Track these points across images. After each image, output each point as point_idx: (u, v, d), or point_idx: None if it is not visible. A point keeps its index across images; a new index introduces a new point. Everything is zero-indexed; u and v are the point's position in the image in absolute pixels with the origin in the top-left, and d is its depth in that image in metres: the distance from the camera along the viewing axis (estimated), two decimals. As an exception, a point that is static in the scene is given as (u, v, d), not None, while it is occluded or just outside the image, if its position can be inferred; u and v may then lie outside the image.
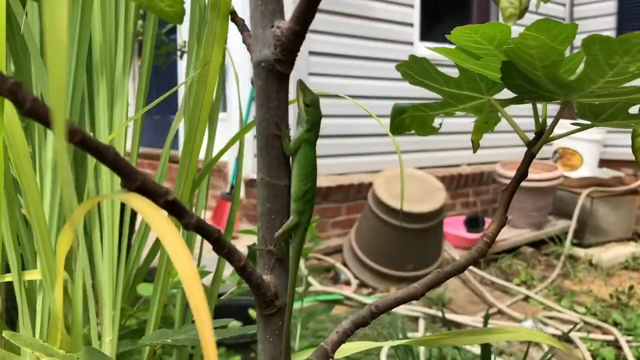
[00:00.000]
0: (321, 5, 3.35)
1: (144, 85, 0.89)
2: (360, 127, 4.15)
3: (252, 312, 1.75)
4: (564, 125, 0.66)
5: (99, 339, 0.84)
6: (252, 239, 1.07)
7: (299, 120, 0.51)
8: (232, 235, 1.01)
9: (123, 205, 0.87)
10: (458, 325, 2.94)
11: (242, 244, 2.03)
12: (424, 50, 4.29)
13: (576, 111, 0.62)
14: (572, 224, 4.27)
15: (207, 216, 4.09)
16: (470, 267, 3.70)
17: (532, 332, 0.65)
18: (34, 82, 0.83)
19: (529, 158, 0.66)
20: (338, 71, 4.07)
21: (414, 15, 4.55)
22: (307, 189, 0.49)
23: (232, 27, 0.58)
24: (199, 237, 0.46)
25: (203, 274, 0.87)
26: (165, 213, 0.38)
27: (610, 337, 2.80)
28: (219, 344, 1.67)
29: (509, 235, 4.23)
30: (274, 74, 0.45)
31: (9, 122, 0.63)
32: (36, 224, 0.67)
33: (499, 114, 0.71)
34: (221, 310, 1.03)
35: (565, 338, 2.77)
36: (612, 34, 5.21)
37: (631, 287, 3.40)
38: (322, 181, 3.91)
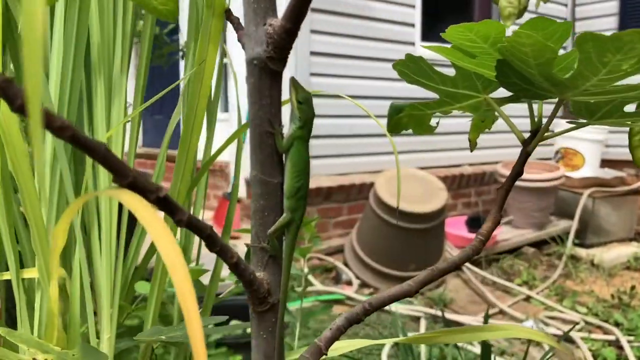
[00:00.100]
0: (322, 6, 3.35)
1: (141, 84, 0.90)
2: (361, 127, 4.15)
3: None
4: (563, 125, 0.66)
5: (97, 336, 0.84)
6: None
7: (291, 118, 0.51)
8: (232, 234, 1.02)
9: (122, 203, 0.87)
10: (459, 325, 2.94)
11: (244, 243, 2.03)
12: (425, 50, 4.29)
13: (571, 109, 0.62)
14: (574, 224, 4.27)
15: (208, 216, 4.10)
16: (472, 267, 3.71)
17: (525, 329, 0.65)
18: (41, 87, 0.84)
19: (524, 156, 0.66)
20: (339, 71, 4.07)
21: (415, 15, 4.55)
22: (300, 186, 0.50)
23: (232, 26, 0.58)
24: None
25: (201, 272, 0.87)
26: (155, 209, 0.38)
27: (611, 337, 2.80)
28: (220, 343, 1.67)
29: (510, 236, 4.22)
30: (266, 72, 0.46)
31: (6, 121, 0.64)
32: (33, 222, 0.68)
33: (496, 112, 0.71)
34: (222, 310, 1.03)
35: (566, 338, 2.77)
36: (614, 34, 5.21)
37: (633, 288, 3.40)
38: (323, 181, 3.92)
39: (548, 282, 3.66)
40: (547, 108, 0.63)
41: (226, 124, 4.16)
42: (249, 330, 0.76)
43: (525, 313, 3.11)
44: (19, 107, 0.33)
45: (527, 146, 0.65)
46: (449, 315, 3.01)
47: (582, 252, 4.16)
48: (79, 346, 0.53)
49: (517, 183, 4.26)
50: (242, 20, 0.54)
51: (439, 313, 2.95)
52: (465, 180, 4.77)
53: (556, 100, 0.60)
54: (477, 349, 2.52)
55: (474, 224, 4.10)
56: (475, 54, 0.62)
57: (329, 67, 4.02)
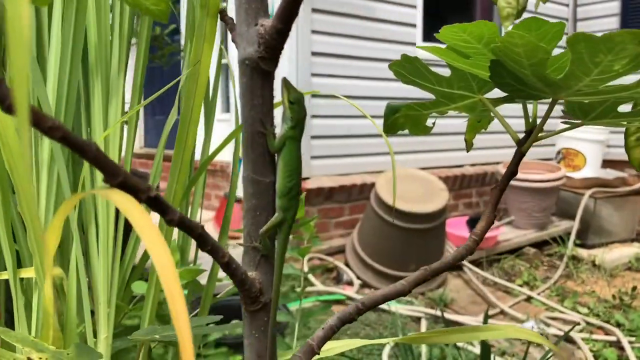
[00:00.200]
0: (324, 6, 3.36)
1: (138, 84, 0.90)
2: (362, 128, 4.15)
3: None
4: (562, 125, 0.66)
5: (95, 336, 0.84)
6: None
7: (284, 118, 0.52)
8: (231, 234, 1.02)
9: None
10: (459, 325, 2.94)
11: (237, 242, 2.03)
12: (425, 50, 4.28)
13: (566, 110, 0.63)
14: (575, 225, 4.26)
15: (210, 216, 4.10)
16: (473, 268, 3.70)
17: (520, 330, 0.65)
18: (30, 85, 0.84)
19: (518, 156, 0.66)
20: (340, 72, 4.08)
21: (417, 15, 4.55)
22: (292, 185, 0.50)
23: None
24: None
25: (198, 272, 0.88)
26: (144, 209, 0.38)
27: (612, 338, 2.80)
28: (220, 343, 1.68)
29: (511, 236, 4.22)
30: (258, 72, 0.46)
31: (2, 122, 0.64)
32: (30, 223, 0.68)
33: (492, 113, 0.71)
34: (220, 310, 1.03)
35: (567, 338, 2.77)
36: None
37: (634, 288, 3.39)
38: (324, 181, 3.92)
39: (549, 282, 3.66)
40: (542, 108, 0.63)
41: (227, 124, 4.17)
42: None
43: (526, 313, 3.11)
44: (8, 107, 0.33)
45: (522, 146, 0.66)
46: (450, 316, 3.01)
47: (583, 252, 4.16)
48: (73, 345, 0.53)
49: (519, 183, 4.27)
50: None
51: (440, 313, 2.95)
52: (466, 181, 4.77)
53: (550, 100, 0.60)
54: (477, 350, 2.52)
55: (475, 224, 4.07)
56: (469, 55, 0.62)
57: (330, 68, 4.02)
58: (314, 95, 3.84)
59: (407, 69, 0.67)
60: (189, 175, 0.96)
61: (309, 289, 3.27)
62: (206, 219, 3.96)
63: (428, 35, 4.62)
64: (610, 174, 4.81)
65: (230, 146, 0.99)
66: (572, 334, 2.79)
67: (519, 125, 0.65)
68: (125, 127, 1.04)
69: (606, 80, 0.52)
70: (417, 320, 3.00)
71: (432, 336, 0.66)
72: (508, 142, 4.88)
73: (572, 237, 4.21)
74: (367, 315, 2.94)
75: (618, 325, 2.99)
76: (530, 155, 5.22)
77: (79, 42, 0.82)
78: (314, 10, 3.86)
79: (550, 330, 2.87)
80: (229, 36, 0.56)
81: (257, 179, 0.49)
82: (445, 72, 0.64)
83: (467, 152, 0.87)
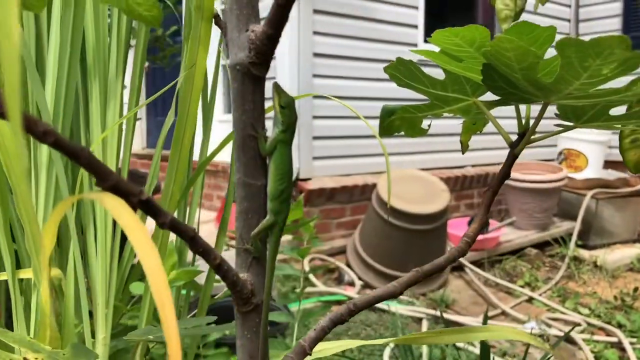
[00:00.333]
0: (325, 7, 3.36)
1: (136, 86, 0.91)
2: (364, 129, 4.16)
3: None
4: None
5: (93, 336, 0.85)
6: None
7: (275, 122, 0.52)
8: (230, 235, 1.02)
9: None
10: (460, 326, 2.94)
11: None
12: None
13: (558, 113, 0.63)
14: (577, 226, 4.26)
15: (211, 216, 4.11)
16: (474, 268, 3.70)
17: (515, 331, 0.65)
18: (30, 90, 0.85)
19: (511, 158, 0.67)
20: (342, 73, 4.08)
21: (418, 17, 4.55)
22: (283, 188, 0.51)
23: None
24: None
25: (195, 273, 0.88)
26: (134, 212, 0.39)
27: (614, 339, 2.80)
28: (220, 343, 1.68)
29: (513, 237, 4.22)
30: (249, 77, 0.47)
31: None
32: (27, 224, 0.69)
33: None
34: (218, 311, 1.04)
35: (568, 339, 2.77)
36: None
37: (636, 289, 3.39)
38: (326, 182, 3.93)
39: (551, 283, 3.66)
40: (536, 109, 0.63)
41: (229, 125, 4.17)
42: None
43: (528, 314, 3.11)
44: (1, 113, 0.34)
45: (515, 148, 0.66)
46: (451, 317, 3.02)
47: (585, 253, 4.15)
48: (70, 345, 0.54)
49: (520, 184, 4.27)
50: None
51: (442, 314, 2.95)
52: (468, 182, 4.77)
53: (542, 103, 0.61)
54: (478, 350, 2.52)
55: (476, 225, 4.08)
56: (461, 58, 0.62)
57: (332, 69, 4.03)
58: (315, 96, 3.85)
59: (402, 71, 0.67)
60: (187, 176, 0.97)
61: (310, 289, 3.28)
62: (208, 219, 3.97)
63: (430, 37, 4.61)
64: (612, 174, 4.80)
65: (231, 147, 0.99)
66: (573, 334, 2.79)
67: (514, 126, 0.65)
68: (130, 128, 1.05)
69: (596, 84, 0.52)
70: (419, 321, 3.00)
71: (427, 337, 0.67)
72: (510, 142, 4.87)
73: (574, 238, 4.21)
74: (368, 316, 2.94)
75: (619, 326, 2.99)
76: (532, 156, 5.21)
77: (77, 45, 0.83)
78: (316, 12, 3.87)
79: (552, 331, 2.87)
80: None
81: (248, 182, 0.49)
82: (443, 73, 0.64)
83: (463, 153, 0.87)
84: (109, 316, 0.84)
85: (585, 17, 5.78)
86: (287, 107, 0.52)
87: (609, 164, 5.05)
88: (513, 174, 4.34)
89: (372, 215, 3.52)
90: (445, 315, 3.03)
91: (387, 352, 2.47)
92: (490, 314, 3.18)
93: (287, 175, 0.51)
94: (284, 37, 3.78)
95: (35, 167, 0.83)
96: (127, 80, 1.00)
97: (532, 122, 0.67)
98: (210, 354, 1.50)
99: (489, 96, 0.66)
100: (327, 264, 3.69)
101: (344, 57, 4.09)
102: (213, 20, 0.57)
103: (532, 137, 0.66)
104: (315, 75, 3.91)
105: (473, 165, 4.98)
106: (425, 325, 2.93)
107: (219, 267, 0.45)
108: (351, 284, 3.50)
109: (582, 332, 2.92)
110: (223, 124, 4.34)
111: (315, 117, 3.92)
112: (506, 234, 4.21)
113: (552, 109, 0.63)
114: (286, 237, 2.93)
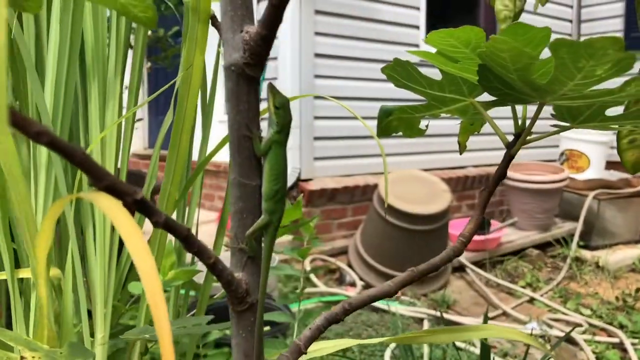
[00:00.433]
0: (327, 8, 3.36)
1: (135, 86, 0.91)
2: (365, 129, 4.15)
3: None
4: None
5: (92, 336, 0.85)
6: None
7: (270, 123, 0.52)
8: (229, 235, 1.03)
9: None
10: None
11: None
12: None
13: (554, 113, 0.63)
14: (579, 226, 4.25)
15: (213, 217, 4.12)
16: (475, 269, 3.70)
17: (511, 330, 0.65)
18: (30, 92, 0.86)
19: (507, 159, 0.67)
20: (343, 73, 4.08)
21: (420, 17, 4.55)
22: (278, 188, 0.51)
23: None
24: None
25: (193, 272, 0.89)
26: (130, 213, 0.39)
27: (615, 340, 2.79)
28: (222, 343, 1.69)
29: (514, 237, 4.22)
30: (243, 78, 0.47)
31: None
32: (25, 224, 0.69)
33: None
34: (217, 311, 1.04)
35: (570, 340, 2.77)
36: (620, 35, 5.18)
37: (638, 290, 3.38)
38: (327, 182, 3.93)
39: (552, 284, 3.65)
40: (533, 109, 0.63)
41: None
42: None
43: (529, 315, 3.11)
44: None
45: (511, 149, 0.66)
46: (452, 317, 3.02)
47: (586, 254, 4.15)
48: (67, 344, 0.54)
49: (522, 185, 4.27)
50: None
51: (443, 314, 2.96)
52: (469, 182, 4.77)
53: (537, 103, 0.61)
54: (478, 350, 2.52)
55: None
56: (457, 59, 0.63)
57: (334, 69, 4.03)
58: (316, 97, 3.85)
59: (399, 72, 0.67)
60: (186, 176, 0.97)
61: (312, 290, 3.28)
62: (209, 219, 3.97)
63: (431, 37, 4.61)
64: (614, 175, 4.79)
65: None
66: (574, 335, 2.78)
67: (508, 126, 0.65)
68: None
69: (589, 85, 0.53)
70: (420, 321, 3.00)
71: (423, 336, 0.67)
72: (512, 143, 4.86)
73: (576, 238, 4.21)
74: (369, 317, 2.94)
75: (621, 327, 2.99)
76: (534, 156, 5.21)
77: (76, 45, 0.83)
78: (317, 12, 3.87)
79: (553, 332, 2.87)
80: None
81: (243, 182, 0.50)
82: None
83: (461, 154, 0.87)
84: (107, 315, 0.84)
85: (587, 18, 5.77)
86: (282, 107, 0.52)
87: (610, 165, 5.04)
88: (515, 175, 4.34)
89: (374, 216, 3.53)
90: (446, 316, 3.03)
91: (388, 353, 2.47)
92: (491, 314, 3.18)
93: (281, 176, 0.51)
94: (286, 37, 3.79)
95: (35, 168, 0.84)
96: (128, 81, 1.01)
97: (528, 122, 0.67)
98: (210, 354, 1.51)
99: (486, 97, 0.66)
100: (328, 264, 3.70)
101: (346, 57, 4.09)
102: (210, 21, 0.57)
103: (529, 137, 0.66)
104: (316, 76, 3.92)
105: (475, 166, 4.97)
106: (426, 326, 2.93)
107: (213, 266, 0.45)
108: (352, 284, 3.50)
109: (583, 332, 2.91)
110: (224, 124, 4.34)
111: (316, 118, 3.92)
112: (507, 235, 4.20)
113: (549, 110, 0.63)
114: (287, 238, 2.93)
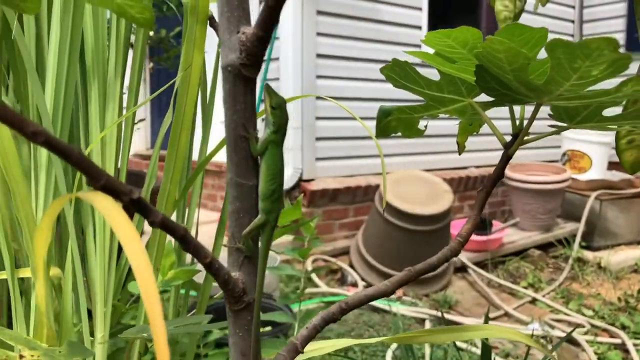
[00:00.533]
0: (329, 8, 3.36)
1: (135, 86, 0.91)
2: (366, 129, 4.16)
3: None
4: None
5: (92, 335, 0.86)
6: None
7: (266, 123, 0.53)
8: (227, 234, 1.03)
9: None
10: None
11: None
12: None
13: (552, 113, 0.63)
14: (581, 227, 4.25)
15: (215, 217, 4.12)
16: (477, 269, 3.70)
17: (510, 330, 0.66)
18: (30, 93, 0.86)
19: (505, 159, 0.67)
20: (345, 74, 4.09)
21: (422, 18, 4.55)
22: (274, 188, 0.51)
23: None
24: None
25: (193, 272, 0.89)
26: (127, 212, 0.39)
27: (617, 341, 2.79)
28: (223, 343, 1.69)
29: (516, 238, 4.21)
30: (240, 78, 0.47)
31: (-2, 124, 0.65)
32: (25, 224, 0.70)
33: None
34: (216, 311, 1.04)
35: (572, 340, 2.77)
36: (622, 35, 5.14)
37: (640, 291, 3.39)
38: (329, 183, 3.93)
39: (554, 284, 3.65)
40: (531, 110, 0.63)
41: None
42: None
43: (531, 315, 3.11)
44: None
45: (509, 149, 0.66)
46: (453, 317, 3.02)
47: (589, 254, 4.14)
48: (66, 343, 0.54)
49: (524, 185, 4.27)
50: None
51: (444, 315, 2.96)
52: (471, 182, 4.77)
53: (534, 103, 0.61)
54: (479, 350, 2.52)
55: (479, 226, 4.09)
56: (455, 60, 0.63)
57: (335, 70, 4.03)
58: (318, 97, 3.85)
59: (398, 72, 0.67)
60: (186, 176, 0.98)
61: (313, 290, 3.28)
62: (211, 220, 3.98)
63: (432, 37, 4.61)
64: (616, 175, 4.78)
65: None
66: (576, 336, 2.78)
67: (507, 126, 0.65)
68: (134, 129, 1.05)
69: (586, 85, 0.53)
70: (422, 322, 3.00)
71: (423, 335, 0.67)
72: (514, 143, 4.86)
73: (578, 239, 4.20)
74: (371, 317, 2.95)
75: (623, 327, 2.98)
76: (536, 157, 5.20)
77: (76, 45, 0.83)
78: (319, 13, 3.87)
79: (555, 333, 2.86)
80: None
81: (240, 182, 0.50)
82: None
83: (460, 154, 0.87)
84: (107, 315, 0.85)
85: (589, 18, 5.76)
86: (279, 108, 0.52)
87: (613, 165, 5.03)
88: (517, 175, 4.34)
89: (375, 216, 3.53)
90: (448, 316, 3.03)
91: (389, 354, 2.47)
92: (493, 315, 3.18)
93: (278, 176, 0.52)
94: (288, 38, 3.79)
95: (35, 168, 0.84)
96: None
97: (526, 123, 0.67)
98: (211, 354, 1.51)
99: (485, 97, 0.66)
100: (330, 264, 3.70)
101: (348, 58, 4.09)
102: (208, 22, 0.58)
103: (526, 137, 0.66)
104: (318, 76, 3.92)
105: (476, 166, 4.97)
106: (428, 326, 2.93)
107: (210, 265, 0.45)
108: (354, 284, 3.50)
109: (585, 333, 2.91)
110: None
111: (318, 118, 3.93)
112: (509, 235, 4.20)
113: (547, 110, 0.63)
114: (288, 238, 2.93)
